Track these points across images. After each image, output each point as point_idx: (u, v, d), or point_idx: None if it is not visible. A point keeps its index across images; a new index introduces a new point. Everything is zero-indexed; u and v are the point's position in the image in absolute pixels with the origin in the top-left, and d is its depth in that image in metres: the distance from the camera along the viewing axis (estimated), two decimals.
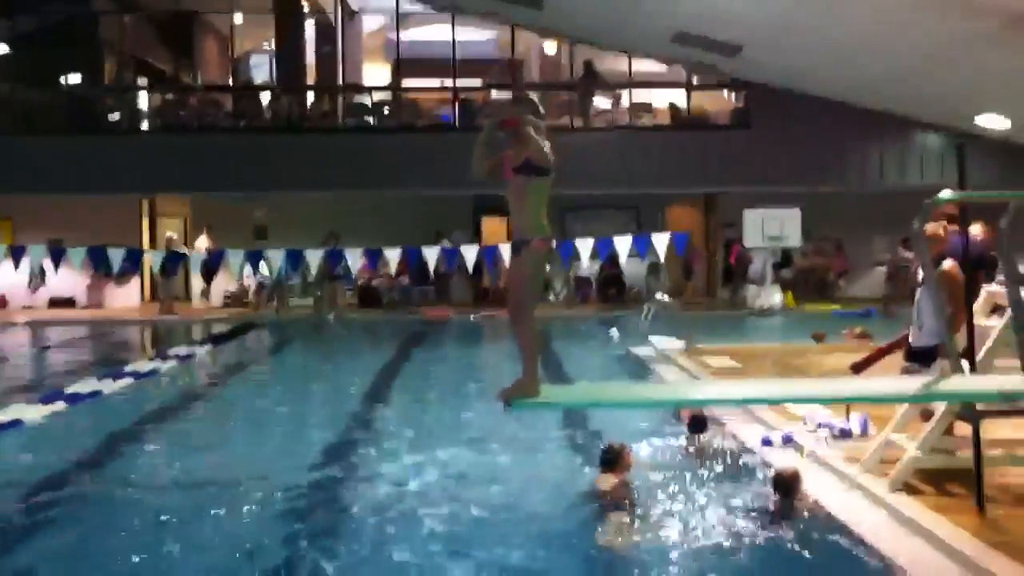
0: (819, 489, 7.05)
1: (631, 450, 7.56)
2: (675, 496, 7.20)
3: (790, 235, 22.07)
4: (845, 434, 8.29)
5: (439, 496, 7.37)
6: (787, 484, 6.91)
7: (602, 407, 8.83)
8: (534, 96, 6.06)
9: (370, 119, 24.29)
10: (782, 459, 7.81)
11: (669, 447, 8.70)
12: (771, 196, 22.40)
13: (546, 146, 5.59)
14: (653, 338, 15.22)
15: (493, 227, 25.30)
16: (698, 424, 8.89)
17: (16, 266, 17.79)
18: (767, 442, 8.38)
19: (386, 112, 24.25)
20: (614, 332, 17.43)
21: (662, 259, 18.24)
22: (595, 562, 6.16)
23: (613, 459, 7.32)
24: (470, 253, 17.86)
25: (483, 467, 8.30)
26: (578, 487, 7.48)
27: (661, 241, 17.02)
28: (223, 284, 24.12)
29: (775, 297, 22.25)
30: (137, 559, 5.95)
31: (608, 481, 7.22)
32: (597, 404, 8.45)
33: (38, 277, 23.33)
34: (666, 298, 15.77)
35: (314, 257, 17.87)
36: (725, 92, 25.02)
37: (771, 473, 7.22)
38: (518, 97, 5.92)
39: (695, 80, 24.03)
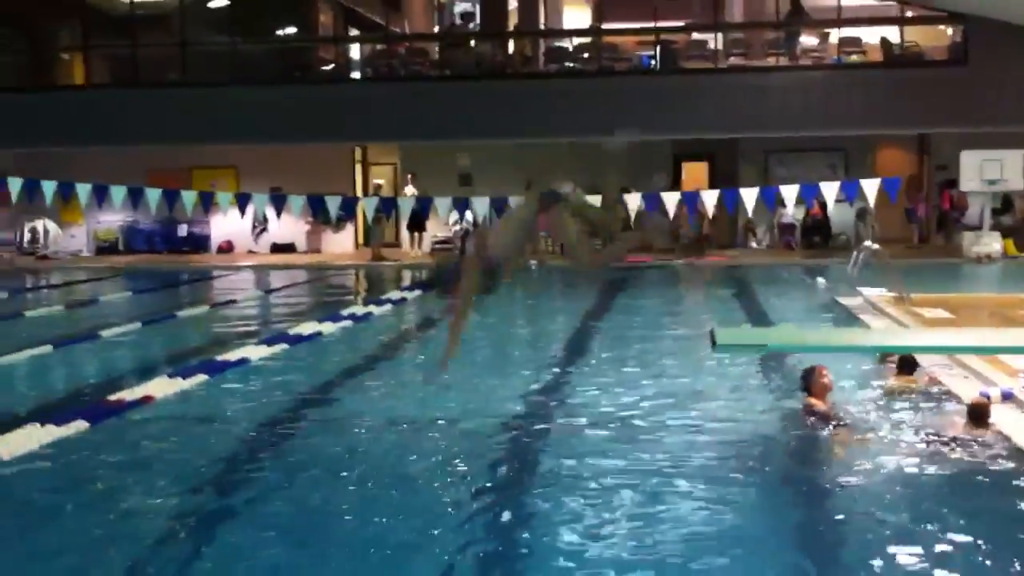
0: None
1: (827, 372, 7.72)
2: (881, 429, 7.35)
3: (1011, 178, 20.86)
4: None
5: (649, 426, 7.67)
6: (979, 412, 7.22)
7: (809, 351, 8.83)
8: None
9: (571, 64, 24.38)
10: (1002, 415, 7.61)
11: (875, 388, 8.68)
12: (990, 137, 21.23)
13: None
14: (861, 287, 14.85)
15: (693, 172, 25.07)
16: (908, 364, 8.76)
17: (242, 213, 18.96)
18: (985, 397, 8.13)
19: (586, 56, 24.28)
20: (820, 281, 17.06)
21: (871, 205, 17.69)
22: (801, 480, 6.49)
23: (809, 379, 7.67)
24: (670, 199, 17.83)
25: (689, 399, 8.60)
26: (783, 418, 7.81)
27: (871, 186, 16.50)
28: (431, 231, 24.89)
29: (994, 244, 21.17)
30: (350, 490, 6.37)
31: (810, 403, 7.59)
32: (804, 348, 8.49)
33: (261, 223, 24.78)
34: (875, 245, 15.28)
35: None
36: (940, 26, 23.80)
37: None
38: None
39: (908, 14, 22.97)
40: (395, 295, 16.57)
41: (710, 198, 18.06)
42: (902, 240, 23.91)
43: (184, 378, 9.57)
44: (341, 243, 26.02)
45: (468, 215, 22.10)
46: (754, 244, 24.17)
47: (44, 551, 5.35)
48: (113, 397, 8.75)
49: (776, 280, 18.49)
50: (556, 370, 10.10)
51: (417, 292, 17.45)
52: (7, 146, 23.75)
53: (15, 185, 17.07)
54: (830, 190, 16.97)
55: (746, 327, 12.38)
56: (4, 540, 5.50)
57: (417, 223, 24.14)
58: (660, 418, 7.94)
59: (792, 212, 23.46)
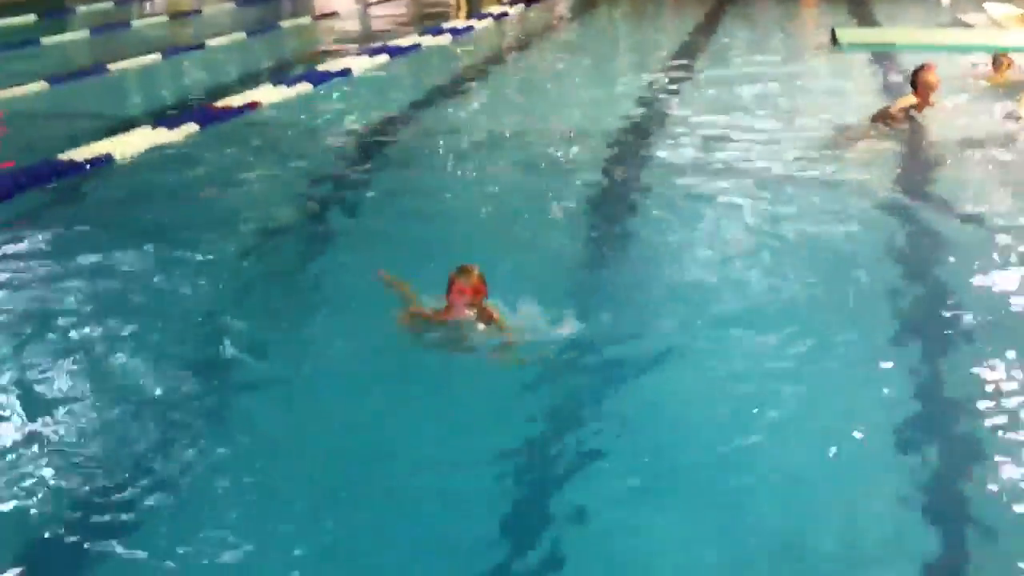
0: None
1: (933, 68, 7.69)
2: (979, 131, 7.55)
3: None
4: None
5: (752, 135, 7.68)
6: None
7: (936, 50, 8.91)
8: None
9: None
10: None
11: (980, 93, 8.70)
12: None
13: None
14: (987, 3, 14.04)
15: None
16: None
17: None
18: None
19: None
20: None
21: None
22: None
23: (916, 76, 7.63)
24: None
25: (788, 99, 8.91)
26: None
27: None
28: None
29: None
30: (447, 195, 6.46)
31: (907, 101, 7.63)
32: (932, 47, 8.60)
33: None
34: None
35: None
36: None
37: None
38: None
39: None
40: (496, 9, 16.22)
41: None
42: None
43: (288, 86, 9.70)
44: None
45: None
46: None
47: (158, 230, 5.64)
48: (221, 103, 8.94)
49: None
50: (652, 87, 9.93)
51: (518, 7, 17.02)
52: None
53: None
54: None
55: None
56: (124, 223, 5.88)
57: None
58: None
59: None
